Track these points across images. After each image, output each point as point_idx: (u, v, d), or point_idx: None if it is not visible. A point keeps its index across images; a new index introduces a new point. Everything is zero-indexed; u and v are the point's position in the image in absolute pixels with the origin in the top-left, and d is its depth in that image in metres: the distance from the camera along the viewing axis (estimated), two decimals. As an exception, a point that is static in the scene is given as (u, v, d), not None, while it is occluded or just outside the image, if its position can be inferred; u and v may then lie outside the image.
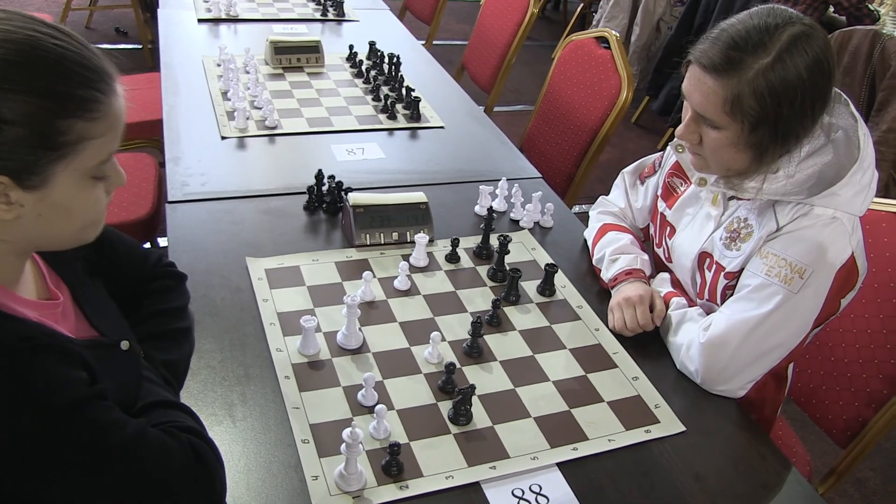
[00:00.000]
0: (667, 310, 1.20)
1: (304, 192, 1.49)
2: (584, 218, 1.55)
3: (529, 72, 4.03)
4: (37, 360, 0.65)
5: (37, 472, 0.65)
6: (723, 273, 1.14)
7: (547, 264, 1.31)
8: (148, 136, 2.18)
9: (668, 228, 1.27)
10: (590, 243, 1.41)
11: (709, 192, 1.18)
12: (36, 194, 0.66)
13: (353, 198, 1.39)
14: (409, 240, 1.39)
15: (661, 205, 1.30)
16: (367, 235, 1.37)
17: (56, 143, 0.65)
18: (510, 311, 1.25)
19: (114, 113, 0.69)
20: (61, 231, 0.70)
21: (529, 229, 1.51)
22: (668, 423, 1.06)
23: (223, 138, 1.69)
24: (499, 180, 1.58)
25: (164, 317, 0.91)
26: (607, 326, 1.24)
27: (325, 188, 1.47)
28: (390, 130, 1.85)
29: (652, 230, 1.36)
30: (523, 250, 1.43)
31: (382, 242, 1.38)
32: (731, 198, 1.14)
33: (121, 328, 0.81)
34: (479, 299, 1.27)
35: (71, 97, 0.65)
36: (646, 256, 1.31)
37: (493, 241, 1.38)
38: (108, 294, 0.84)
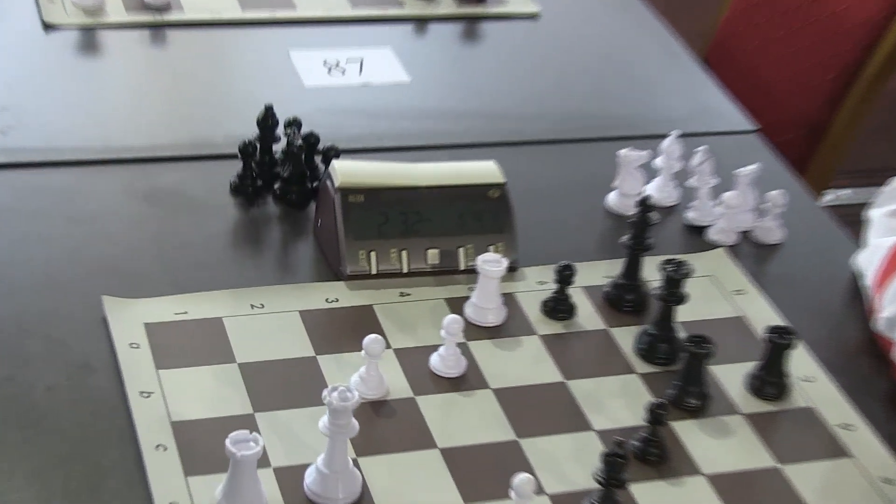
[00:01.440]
0: None
1: (233, 157, 1.51)
2: (853, 219, 1.56)
3: None
4: None
5: None
6: None
7: (772, 329, 1.31)
8: None
9: None
10: (869, 282, 1.42)
11: None
12: None
13: (343, 171, 1.41)
14: (463, 267, 1.42)
15: None
16: (373, 255, 1.40)
17: None
18: (687, 432, 1.26)
19: None
20: None
21: (731, 247, 1.53)
22: None
23: (48, 28, 1.74)
24: (661, 137, 1.59)
25: None
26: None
27: (279, 148, 1.50)
28: (421, 22, 1.88)
29: None
30: (716, 295, 1.45)
31: (406, 271, 1.41)
32: None
33: None
34: (618, 402, 1.29)
35: None
36: None
37: (650, 272, 1.39)
38: None
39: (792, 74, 2.12)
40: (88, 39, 1.73)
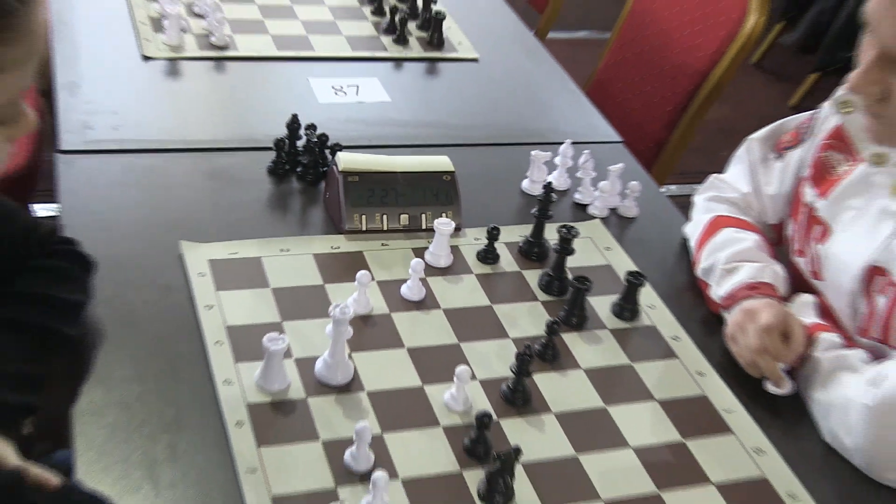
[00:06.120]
0: (812, 350, 1.19)
1: (269, 149, 1.48)
2: (680, 205, 1.56)
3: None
4: None
5: None
6: (905, 300, 1.14)
7: (629, 273, 1.31)
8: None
9: (819, 228, 1.27)
10: (693, 244, 1.41)
11: (889, 176, 1.18)
12: None
13: (344, 160, 1.39)
14: (424, 227, 1.40)
15: (810, 192, 1.30)
16: (364, 217, 1.37)
17: None
18: (572, 340, 1.26)
19: (34, 32, 0.71)
20: None
21: (603, 219, 1.51)
22: (809, 523, 1.07)
23: (146, 59, 1.69)
24: (559, 144, 1.57)
25: (39, 305, 0.95)
26: (717, 370, 1.25)
27: (301, 143, 1.47)
28: (398, 61, 1.85)
29: (791, 229, 1.36)
30: (593, 250, 1.44)
31: (385, 229, 1.38)
32: (927, 186, 1.14)
33: None
34: (527, 320, 1.27)
35: None
36: (779, 268, 1.31)
37: (551, 234, 1.38)
38: None
39: (644, 106, 2.10)
40: (173, 66, 1.70)
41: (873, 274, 1.18)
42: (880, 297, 1.18)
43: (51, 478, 0.85)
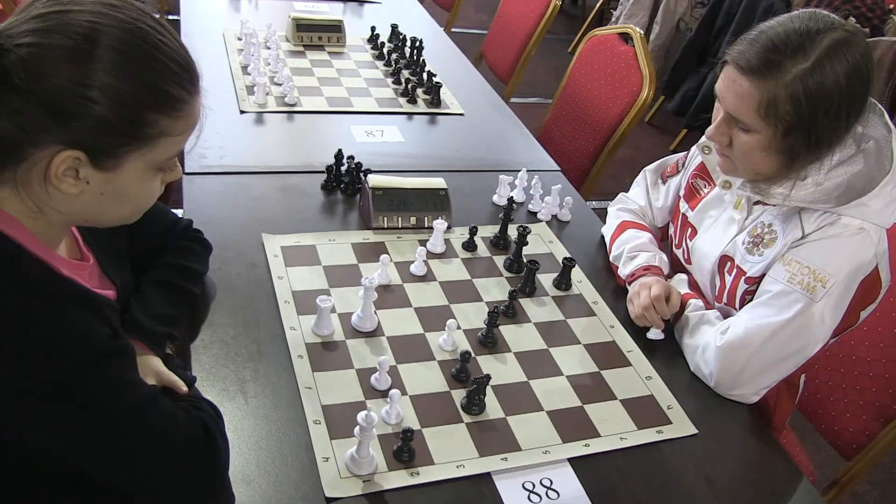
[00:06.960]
0: (683, 311, 1.19)
1: (322, 172, 1.44)
2: (598, 214, 1.53)
3: (545, 64, 4.00)
4: (63, 308, 0.67)
5: (39, 419, 0.66)
6: (743, 278, 1.13)
7: (565, 258, 1.29)
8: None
9: (689, 230, 1.26)
10: (607, 240, 1.38)
11: (733, 196, 1.17)
12: (104, 175, 0.69)
13: (373, 180, 1.36)
14: (426, 225, 1.36)
15: (683, 206, 1.29)
16: (385, 218, 1.34)
17: (139, 133, 0.68)
18: (525, 303, 1.23)
19: (195, 113, 0.72)
20: (113, 212, 0.73)
21: (547, 222, 1.48)
22: (681, 425, 1.06)
23: (242, 112, 1.64)
24: (518, 171, 1.54)
25: (177, 271, 0.97)
26: (622, 324, 1.23)
27: (343, 168, 1.43)
28: (410, 115, 1.81)
29: (672, 230, 1.34)
30: (540, 243, 1.41)
31: (400, 226, 1.35)
32: (757, 202, 1.13)
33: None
34: (495, 289, 1.25)
35: (163, 93, 0.68)
36: (664, 256, 1.30)
37: (511, 231, 1.35)
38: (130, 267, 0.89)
39: (575, 145, 2.06)
40: (259, 117, 1.65)
41: (724, 261, 1.18)
42: (728, 276, 1.17)
43: (182, 385, 0.86)
